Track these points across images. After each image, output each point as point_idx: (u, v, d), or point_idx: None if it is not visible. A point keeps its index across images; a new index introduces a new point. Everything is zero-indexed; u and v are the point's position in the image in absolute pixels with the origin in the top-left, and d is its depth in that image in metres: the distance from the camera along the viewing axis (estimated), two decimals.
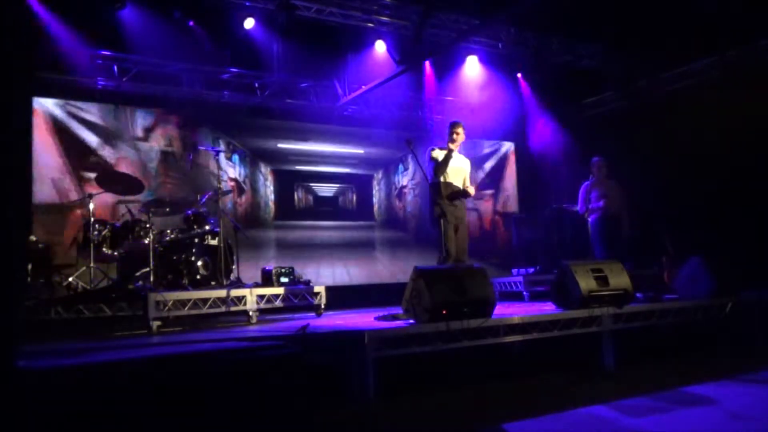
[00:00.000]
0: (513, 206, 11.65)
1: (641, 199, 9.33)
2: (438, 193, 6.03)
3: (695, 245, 7.24)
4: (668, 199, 9.38)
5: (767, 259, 7.54)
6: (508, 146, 11.74)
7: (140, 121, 8.53)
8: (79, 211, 7.63)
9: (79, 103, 8.16)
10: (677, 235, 8.23)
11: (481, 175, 11.44)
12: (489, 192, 11.43)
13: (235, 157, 9.44)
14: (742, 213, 8.49)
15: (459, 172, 6.26)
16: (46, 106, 7.90)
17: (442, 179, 6.06)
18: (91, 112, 8.23)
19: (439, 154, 6.16)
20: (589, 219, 7.83)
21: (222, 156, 9.23)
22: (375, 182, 10.90)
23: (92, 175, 7.77)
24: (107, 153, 8.27)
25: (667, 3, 7.85)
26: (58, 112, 7.88)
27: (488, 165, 11.48)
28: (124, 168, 8.28)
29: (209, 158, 8.96)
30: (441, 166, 6.06)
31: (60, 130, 7.93)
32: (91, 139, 8.17)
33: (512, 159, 11.75)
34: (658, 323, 5.71)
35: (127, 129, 8.46)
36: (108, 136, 8.29)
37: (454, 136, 6.14)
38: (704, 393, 4.50)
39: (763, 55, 8.81)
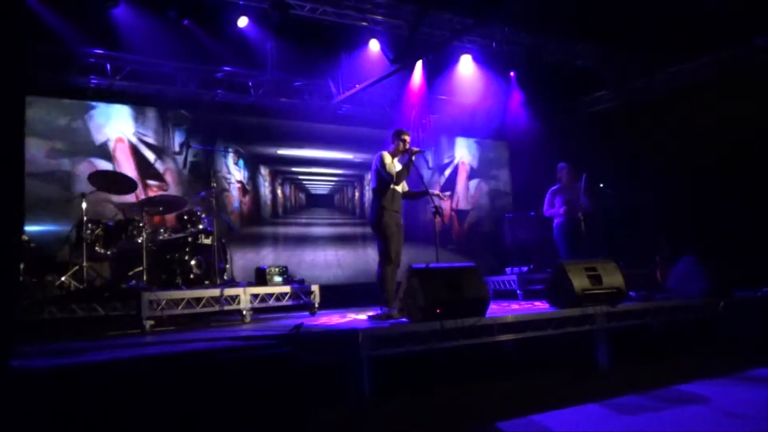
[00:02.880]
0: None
1: (635, 198, 9.37)
2: (386, 199, 6.00)
3: (689, 244, 7.28)
4: (662, 198, 9.41)
5: (760, 258, 7.58)
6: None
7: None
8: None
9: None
10: (671, 234, 8.28)
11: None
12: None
13: (241, 162, 9.76)
14: (736, 212, 8.53)
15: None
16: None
17: (391, 186, 6.03)
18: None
19: (395, 162, 6.11)
20: (554, 222, 7.99)
21: (230, 160, 9.63)
22: (365, 183, 10.92)
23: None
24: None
25: (660, 3, 7.86)
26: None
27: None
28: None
29: (218, 161, 9.49)
30: (402, 174, 6.03)
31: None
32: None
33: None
34: (652, 322, 5.73)
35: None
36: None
37: (402, 144, 6.12)
38: (697, 391, 4.53)
39: (756, 56, 8.84)
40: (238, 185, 9.69)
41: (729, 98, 8.78)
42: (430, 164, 11.66)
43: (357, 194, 10.84)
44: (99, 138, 8.61)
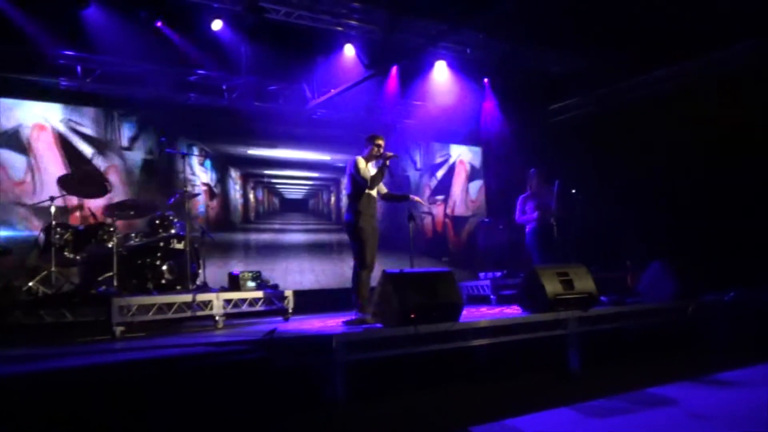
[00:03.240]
0: (461, 210, 11.75)
1: (606, 203, 9.49)
2: (362, 204, 6.00)
3: (659, 249, 7.40)
4: (632, 203, 9.55)
5: (728, 262, 7.73)
6: (456, 155, 11.84)
7: (126, 131, 8.72)
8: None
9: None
10: (641, 239, 8.41)
11: (434, 182, 11.60)
12: (441, 197, 11.59)
13: (208, 163, 9.46)
14: (704, 217, 8.70)
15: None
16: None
17: (366, 191, 6.07)
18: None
19: (369, 167, 6.14)
20: (526, 228, 8.07)
21: (195, 160, 9.27)
22: (342, 187, 10.90)
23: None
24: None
25: (629, 14, 8.01)
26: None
27: (440, 173, 11.65)
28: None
29: (181, 162, 8.81)
30: (377, 178, 6.06)
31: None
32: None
33: (461, 167, 11.84)
34: (622, 326, 5.80)
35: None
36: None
37: (376, 148, 6.14)
38: (666, 394, 4.60)
39: (715, 68, 9.05)
40: (204, 188, 9.43)
41: (693, 107, 8.96)
42: (419, 165, 11.51)
43: (333, 199, 10.79)
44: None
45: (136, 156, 8.87)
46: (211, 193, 9.53)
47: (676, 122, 9.16)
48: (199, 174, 9.38)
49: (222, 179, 9.69)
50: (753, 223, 8.13)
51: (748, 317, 6.47)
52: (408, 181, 11.48)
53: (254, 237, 9.90)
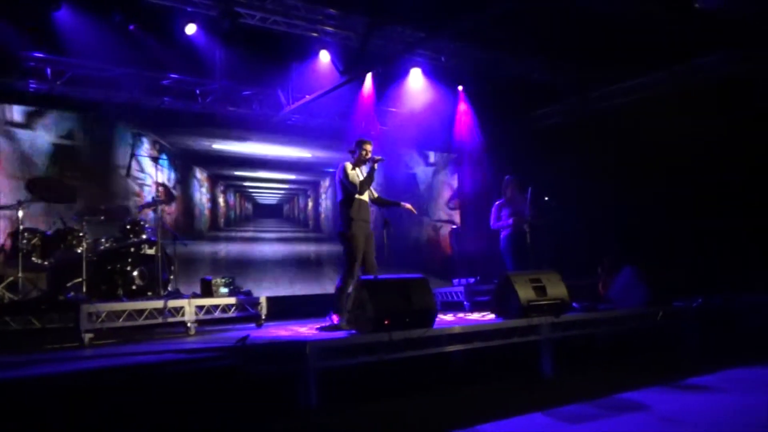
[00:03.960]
0: (445, 218, 11.82)
1: (579, 210, 9.60)
2: (353, 210, 6.00)
3: (629, 255, 7.49)
4: (605, 210, 9.67)
5: (697, 269, 7.87)
6: (442, 160, 11.92)
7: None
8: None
9: None
10: (612, 245, 8.50)
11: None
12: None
13: (164, 159, 8.77)
14: (675, 225, 8.84)
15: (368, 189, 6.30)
16: None
17: (356, 196, 6.05)
18: None
19: (356, 171, 6.14)
20: (501, 234, 8.13)
21: (144, 155, 8.62)
22: (321, 191, 10.86)
23: None
24: None
25: (609, 20, 8.11)
26: None
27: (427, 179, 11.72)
28: None
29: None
30: (365, 184, 6.05)
31: None
32: None
33: (443, 172, 11.91)
34: (594, 332, 5.86)
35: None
36: None
37: (364, 153, 6.15)
38: (637, 399, 4.65)
39: (694, 74, 9.23)
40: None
41: (675, 113, 9.10)
42: (431, 159, 11.46)
43: (311, 204, 10.68)
44: None
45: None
46: (168, 194, 8.85)
47: (648, 130, 9.29)
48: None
49: (184, 180, 9.18)
50: (722, 230, 8.28)
51: (715, 323, 6.59)
52: (414, 179, 11.50)
53: (225, 243, 9.61)
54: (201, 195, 9.54)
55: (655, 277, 6.54)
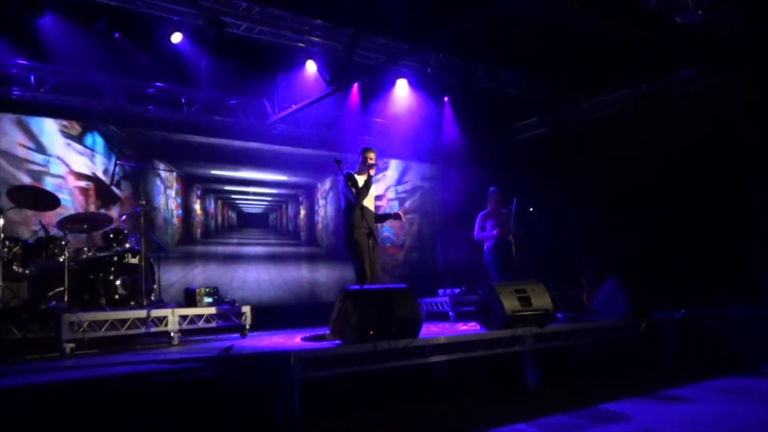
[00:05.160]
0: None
1: (563, 222, 9.67)
2: (355, 218, 6.07)
3: (613, 267, 7.55)
4: (588, 222, 9.75)
5: (679, 281, 7.95)
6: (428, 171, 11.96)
7: None
8: None
9: None
10: (597, 257, 8.57)
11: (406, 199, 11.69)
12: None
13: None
14: (657, 237, 8.94)
15: (371, 197, 6.37)
16: None
17: (356, 205, 6.10)
18: None
19: (358, 179, 6.21)
20: (484, 245, 8.16)
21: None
22: (319, 195, 10.83)
23: None
24: None
25: (584, 35, 8.22)
26: None
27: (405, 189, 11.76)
28: None
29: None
30: (363, 192, 6.10)
31: None
32: None
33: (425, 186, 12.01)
34: (578, 342, 5.89)
35: None
36: None
37: (369, 161, 6.25)
38: (619, 410, 4.68)
39: (671, 88, 9.37)
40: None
41: (650, 127, 9.22)
42: (417, 169, 11.58)
43: (303, 213, 10.62)
44: None
45: (111, 175, 8.00)
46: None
47: (630, 143, 9.40)
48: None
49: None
50: (704, 243, 8.38)
51: (697, 334, 6.65)
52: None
53: (211, 252, 9.40)
54: (167, 198, 9.08)
55: (637, 288, 6.60)
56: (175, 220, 9.13)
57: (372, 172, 6.20)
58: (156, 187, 8.95)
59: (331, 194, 10.88)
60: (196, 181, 9.40)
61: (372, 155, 6.30)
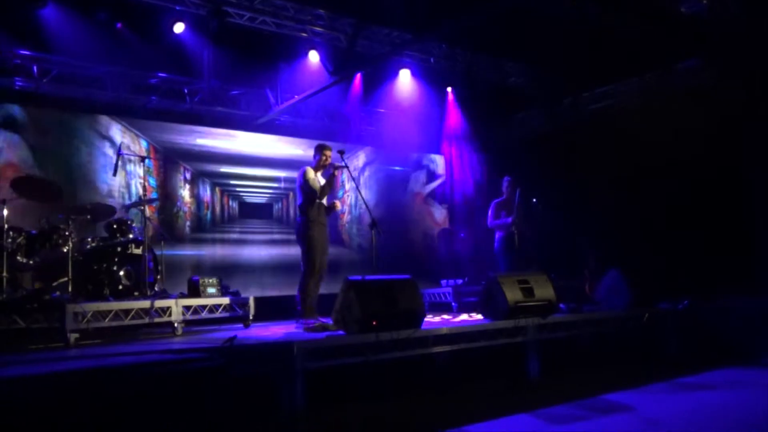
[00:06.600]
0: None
1: (566, 212, 9.65)
2: (313, 212, 6.23)
3: (615, 258, 7.54)
4: (591, 212, 9.73)
5: (682, 272, 7.93)
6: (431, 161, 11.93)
7: None
8: None
9: None
10: (600, 248, 8.56)
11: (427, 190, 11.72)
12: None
13: (149, 159, 8.46)
14: (660, 228, 8.91)
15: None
16: None
17: (317, 200, 6.26)
18: None
19: (318, 176, 6.34)
20: (496, 234, 8.13)
21: (131, 154, 8.28)
22: None
23: None
24: None
25: (588, 26, 8.18)
26: None
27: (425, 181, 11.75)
28: None
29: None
30: (326, 189, 6.25)
31: None
32: None
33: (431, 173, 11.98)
34: (580, 333, 5.90)
35: None
36: None
37: (324, 158, 6.38)
38: (622, 400, 4.69)
39: (677, 79, 9.32)
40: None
41: (655, 118, 9.17)
42: (420, 160, 11.50)
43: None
44: None
45: (114, 165, 7.65)
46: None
47: (633, 134, 9.36)
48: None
49: (169, 179, 8.93)
50: (706, 233, 8.36)
51: (700, 326, 6.65)
52: (404, 179, 11.58)
53: (211, 245, 9.40)
54: (188, 193, 9.33)
55: (640, 279, 6.60)
56: (183, 210, 9.24)
57: (336, 173, 6.33)
58: (179, 184, 9.12)
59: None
60: (203, 175, 9.55)
61: (329, 153, 6.39)
